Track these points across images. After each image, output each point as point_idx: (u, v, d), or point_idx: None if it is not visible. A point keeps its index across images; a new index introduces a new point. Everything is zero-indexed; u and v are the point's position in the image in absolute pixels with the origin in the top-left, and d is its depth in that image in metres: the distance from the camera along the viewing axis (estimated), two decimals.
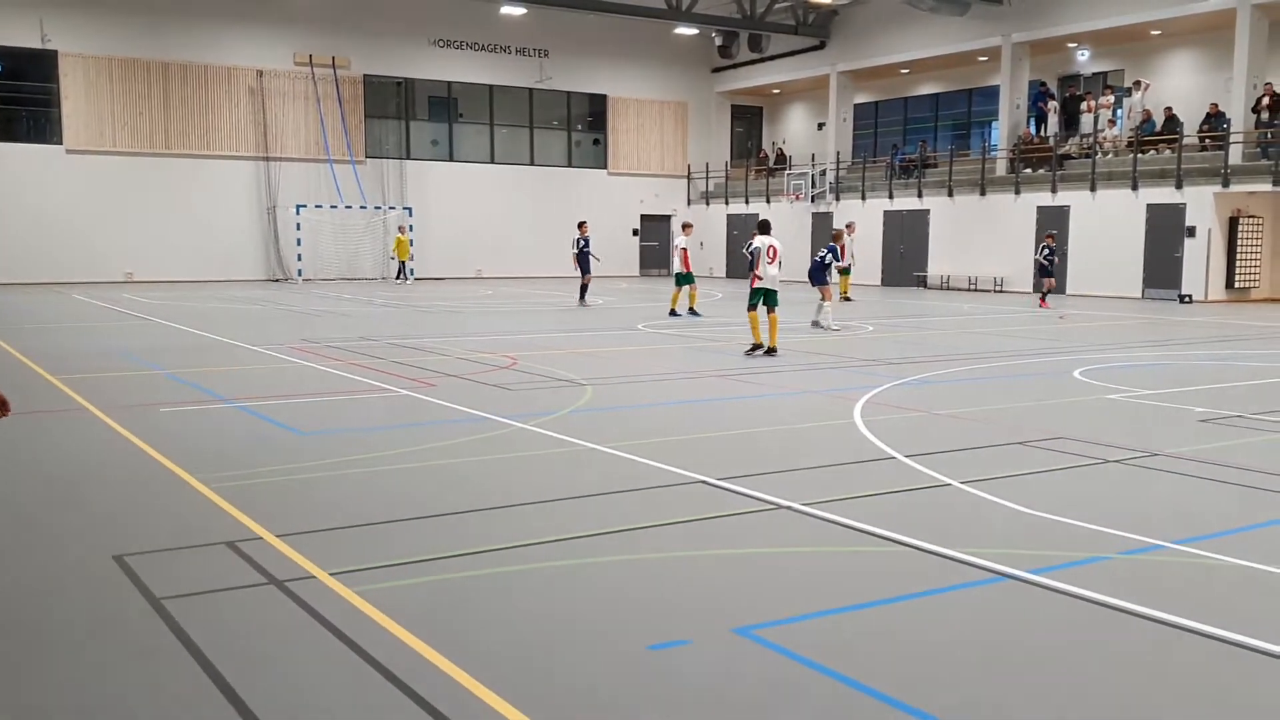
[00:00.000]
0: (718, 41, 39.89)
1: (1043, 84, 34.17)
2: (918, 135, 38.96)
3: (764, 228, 15.98)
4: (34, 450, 8.40)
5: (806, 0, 34.87)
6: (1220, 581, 5.37)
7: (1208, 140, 28.89)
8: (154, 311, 22.42)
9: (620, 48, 40.75)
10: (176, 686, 4.10)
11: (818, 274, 19.70)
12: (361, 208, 36.83)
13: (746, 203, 40.90)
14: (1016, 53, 33.14)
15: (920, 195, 34.63)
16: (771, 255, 15.48)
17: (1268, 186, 26.55)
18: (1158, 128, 30.09)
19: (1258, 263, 28.41)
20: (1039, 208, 31.05)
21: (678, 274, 22.60)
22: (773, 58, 39.87)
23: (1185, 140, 28.80)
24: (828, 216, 36.98)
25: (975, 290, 32.51)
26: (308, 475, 7.51)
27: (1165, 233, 28.29)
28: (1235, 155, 27.63)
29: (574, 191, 40.54)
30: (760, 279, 15.34)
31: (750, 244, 15.74)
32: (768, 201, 39.66)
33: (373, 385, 11.85)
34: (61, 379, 12.04)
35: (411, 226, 36.97)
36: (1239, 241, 27.88)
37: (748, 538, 6.08)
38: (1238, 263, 27.98)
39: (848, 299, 27.23)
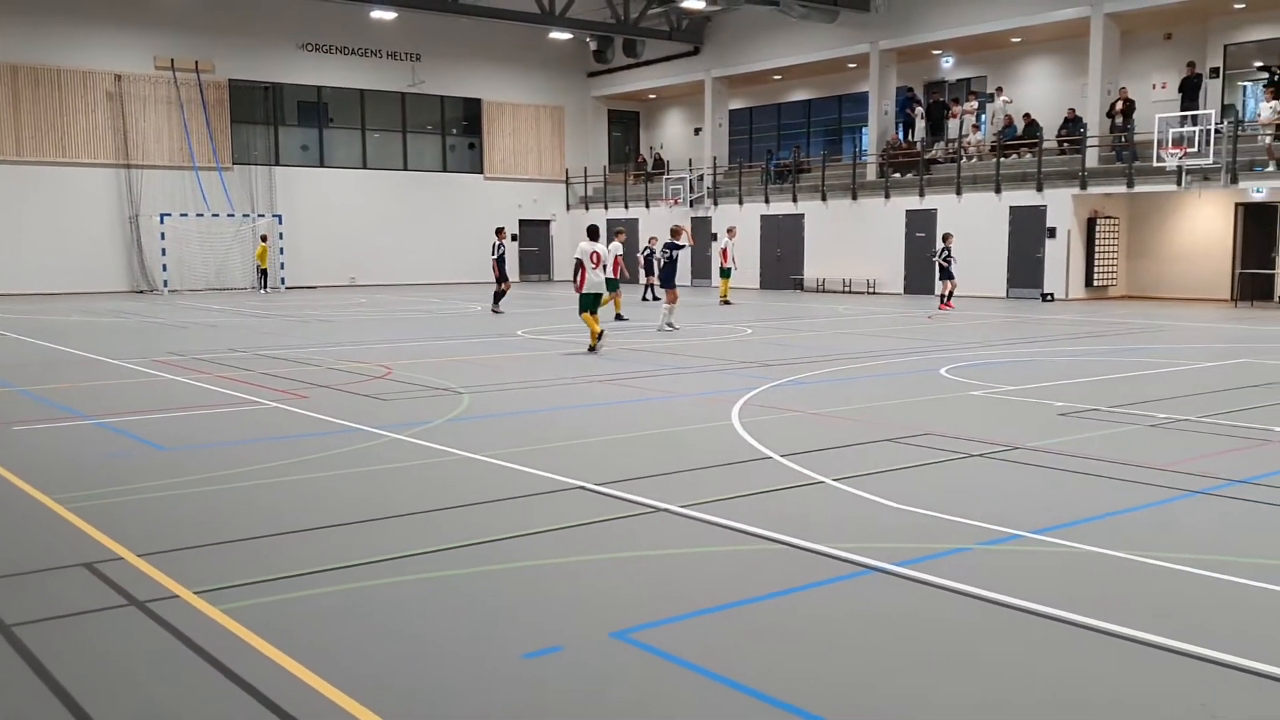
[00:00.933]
0: (593, 46, 39.91)
1: (910, 90, 35.09)
2: (791, 140, 39.65)
3: (591, 234, 16.80)
4: None
5: (680, 6, 35.15)
6: (1073, 568, 5.57)
7: (1066, 144, 30.02)
8: (7, 325, 21.48)
9: (494, 52, 40.52)
10: (31, 718, 3.93)
11: (667, 276, 19.99)
12: (229, 216, 35.87)
13: (626, 207, 41.06)
14: (884, 60, 33.96)
15: (795, 199, 35.22)
16: (595, 260, 16.31)
17: (1122, 188, 27.71)
18: (1019, 132, 31.17)
19: (1115, 262, 29.62)
20: (908, 211, 31.86)
21: (609, 279, 22.70)
22: (648, 63, 40.11)
23: (1045, 145, 29.88)
24: (706, 220, 37.36)
25: (850, 292, 33.18)
26: (171, 492, 7.28)
27: (1027, 234, 29.30)
28: (1092, 158, 28.78)
29: (450, 196, 40.18)
30: (586, 284, 16.15)
31: (577, 250, 16.43)
32: (646, 206, 39.89)
33: (241, 398, 11.55)
34: None
35: (281, 235, 36.15)
36: (1097, 241, 29.03)
37: (625, 542, 6.09)
38: (1096, 262, 29.13)
39: (727, 302, 27.56)
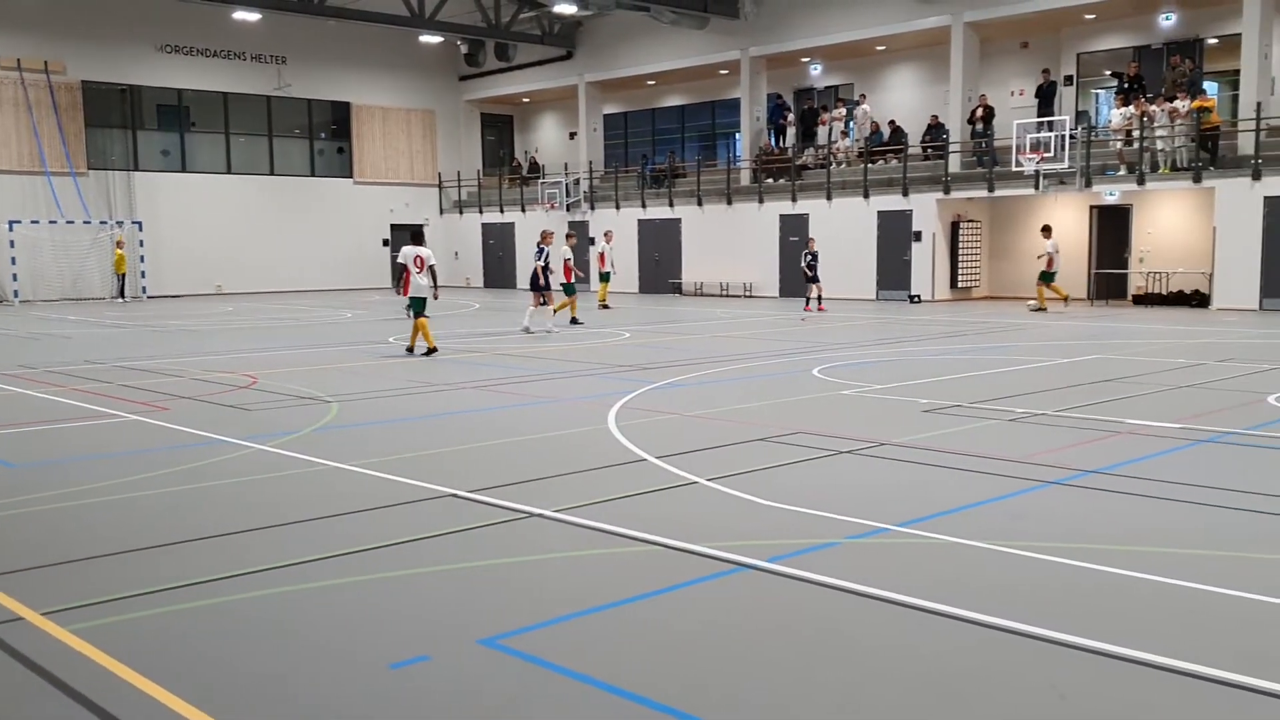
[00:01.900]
0: (464, 49, 39.59)
1: (779, 97, 35.65)
2: (666, 145, 39.90)
3: (415, 238, 16.97)
4: None
5: (551, 11, 35.10)
6: (935, 558, 5.70)
7: (930, 150, 30.87)
8: None
9: (363, 54, 39.85)
10: None
11: (537, 280, 20.07)
12: (86, 223, 34.48)
13: (501, 211, 40.79)
14: (754, 66, 34.45)
15: (671, 204, 35.44)
16: (419, 265, 16.44)
17: (984, 192, 28.59)
18: (885, 138, 31.94)
19: (978, 264, 30.55)
20: (781, 216, 32.35)
21: (564, 284, 23.20)
22: (521, 66, 39.92)
23: (909, 151, 30.67)
24: (584, 225, 37.34)
25: (727, 295, 33.53)
26: (19, 511, 6.94)
27: (895, 237, 30.02)
28: (954, 164, 29.65)
29: (319, 201, 39.37)
30: (410, 288, 16.40)
31: (400, 254, 16.71)
32: (522, 210, 39.69)
33: (98, 411, 11.10)
34: None
35: (142, 242, 34.91)
36: (960, 244, 29.91)
37: (496, 548, 6.02)
38: (960, 264, 30.00)
39: (606, 306, 27.58)
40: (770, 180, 33.55)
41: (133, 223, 35.07)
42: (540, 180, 39.37)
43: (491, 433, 9.74)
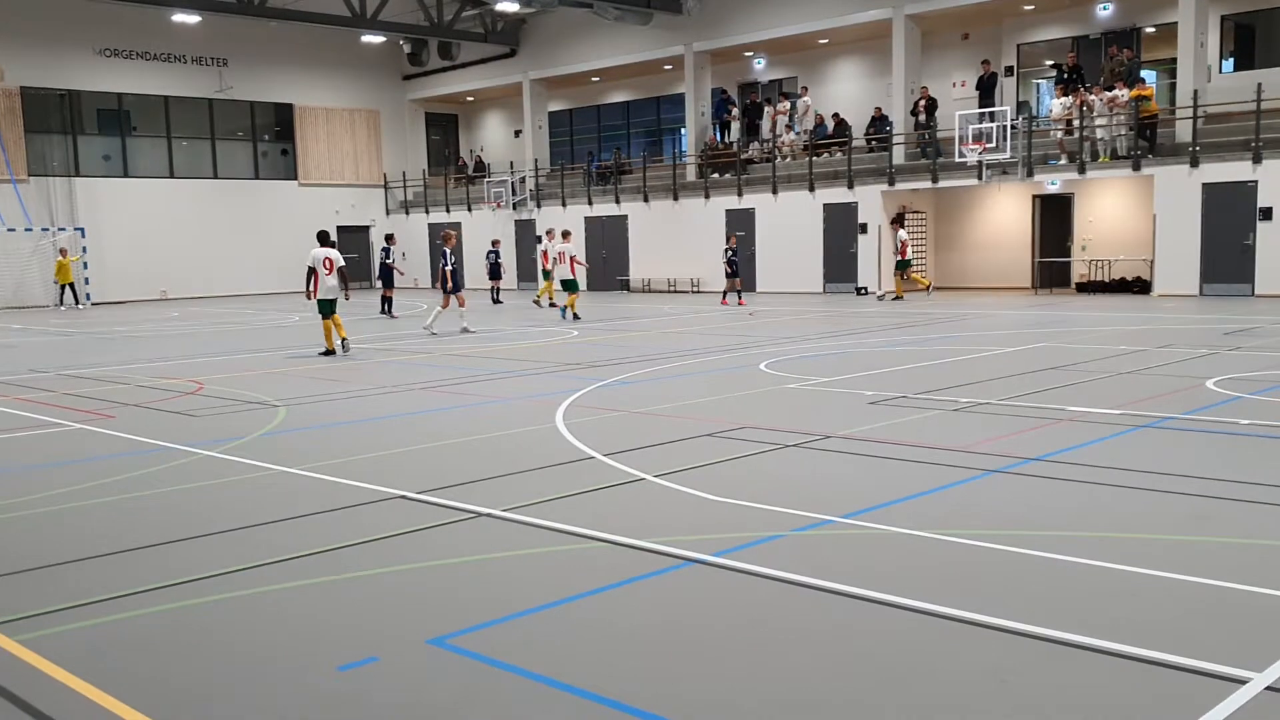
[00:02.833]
0: (406, 49, 39.37)
1: (724, 92, 35.80)
2: (612, 142, 39.93)
3: (322, 239, 17.28)
4: None
5: (494, 9, 34.99)
6: (879, 549, 5.80)
7: (874, 142, 31.14)
8: None
9: (305, 55, 39.51)
10: None
11: (456, 280, 20.38)
12: (27, 230, 33.89)
13: (447, 211, 40.62)
14: (698, 61, 34.56)
15: (618, 201, 35.49)
16: (329, 267, 16.73)
17: (928, 184, 28.90)
18: (829, 131, 32.18)
19: (924, 254, 30.86)
20: (727, 210, 32.49)
21: (566, 280, 23.90)
22: (464, 65, 39.79)
23: (854, 143, 30.93)
24: (530, 224, 37.31)
25: (675, 291, 33.64)
26: None
27: (841, 230, 30.26)
28: (899, 155, 29.93)
29: (263, 204, 38.97)
30: (320, 289, 16.72)
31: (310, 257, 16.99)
32: (469, 209, 39.57)
33: (41, 420, 10.96)
34: None
35: (84, 248, 34.41)
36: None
37: (444, 549, 6.05)
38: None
39: (553, 305, 27.63)
40: (716, 175, 33.69)
41: (75, 229, 34.52)
42: (486, 179, 39.26)
43: (440, 434, 9.74)
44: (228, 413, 11.22)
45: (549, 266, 28.28)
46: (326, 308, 16.76)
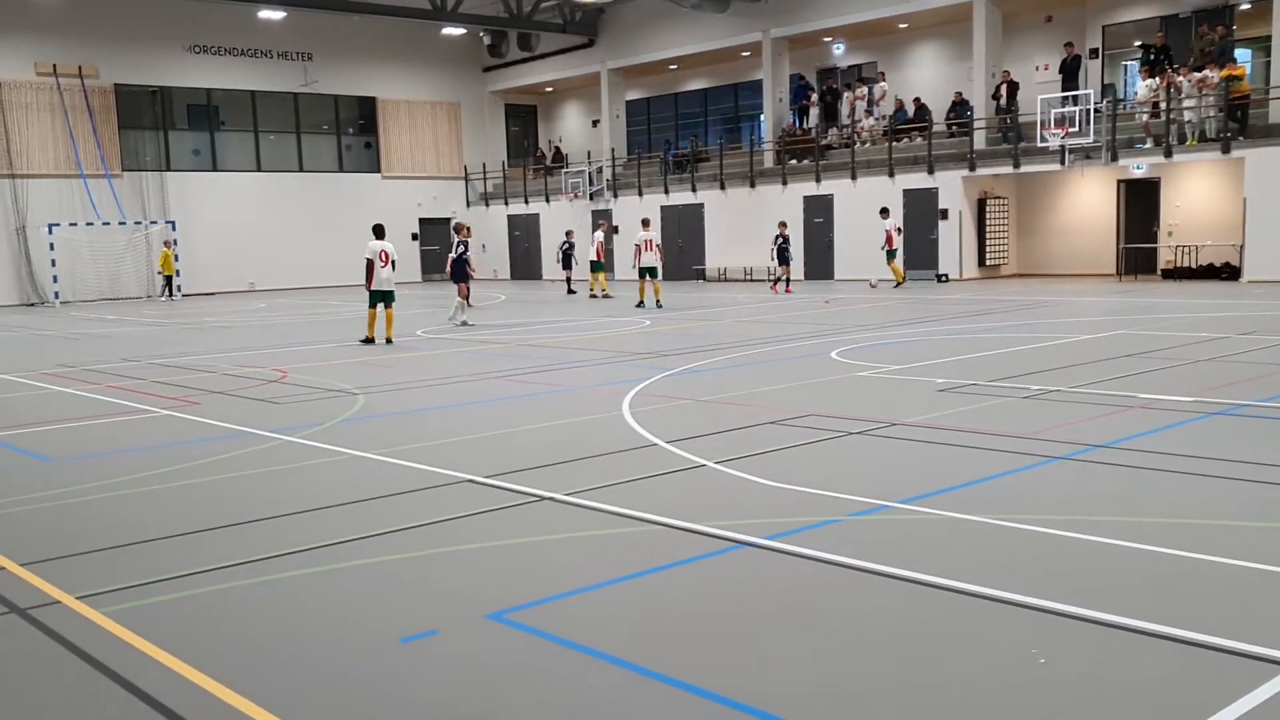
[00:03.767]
0: (487, 41, 39.90)
1: (802, 78, 35.63)
2: (689, 130, 39.98)
3: (377, 232, 17.64)
4: None
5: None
6: (934, 534, 5.85)
7: (954, 127, 30.77)
8: None
9: (387, 49, 40.19)
10: None
11: (459, 271, 20.31)
12: (121, 224, 35.06)
13: (526, 202, 41.05)
14: (776, 48, 34.43)
15: (694, 189, 35.55)
16: (384, 259, 17.07)
17: (1009, 169, 28.50)
18: (909, 116, 31.86)
19: (1005, 241, 30.48)
20: (805, 197, 32.38)
21: (648, 267, 24.95)
22: (543, 56, 40.14)
23: (934, 128, 30.59)
24: (607, 213, 37.54)
25: (751, 280, 33.61)
26: (56, 503, 7.23)
27: (921, 216, 29.99)
28: (979, 140, 29.55)
29: (347, 196, 39.74)
30: (375, 281, 17.24)
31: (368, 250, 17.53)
32: (547, 200, 39.94)
33: (132, 407, 11.42)
34: None
35: (176, 240, 35.50)
36: (987, 222, 29.85)
37: (507, 530, 6.23)
38: (987, 242, 29.95)
39: (607, 296, 28.11)
40: (794, 161, 33.56)
41: (166, 222, 35.61)
42: (564, 170, 39.57)
43: (509, 421, 9.96)
44: (309, 400, 11.57)
45: (600, 259, 28.75)
46: (378, 298, 17.25)
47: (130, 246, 35.52)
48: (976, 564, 5.28)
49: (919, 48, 33.75)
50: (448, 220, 42.38)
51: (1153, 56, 27.38)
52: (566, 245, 31.29)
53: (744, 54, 36.48)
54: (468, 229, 21.25)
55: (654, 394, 11.06)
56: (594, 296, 27.87)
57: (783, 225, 27.85)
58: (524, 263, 41.40)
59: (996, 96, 29.65)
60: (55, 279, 33.53)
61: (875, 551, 5.47)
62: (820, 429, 8.82)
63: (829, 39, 34.76)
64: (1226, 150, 24.63)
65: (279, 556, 5.79)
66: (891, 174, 30.45)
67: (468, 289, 20.58)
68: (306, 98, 39.22)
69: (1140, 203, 28.13)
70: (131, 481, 7.77)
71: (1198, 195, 27.04)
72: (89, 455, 8.99)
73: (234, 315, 26.06)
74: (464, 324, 20.28)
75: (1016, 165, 28.21)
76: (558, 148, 43.46)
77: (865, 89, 33.39)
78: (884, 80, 33.11)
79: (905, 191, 30.22)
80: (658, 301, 23.72)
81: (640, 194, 37.04)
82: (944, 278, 29.29)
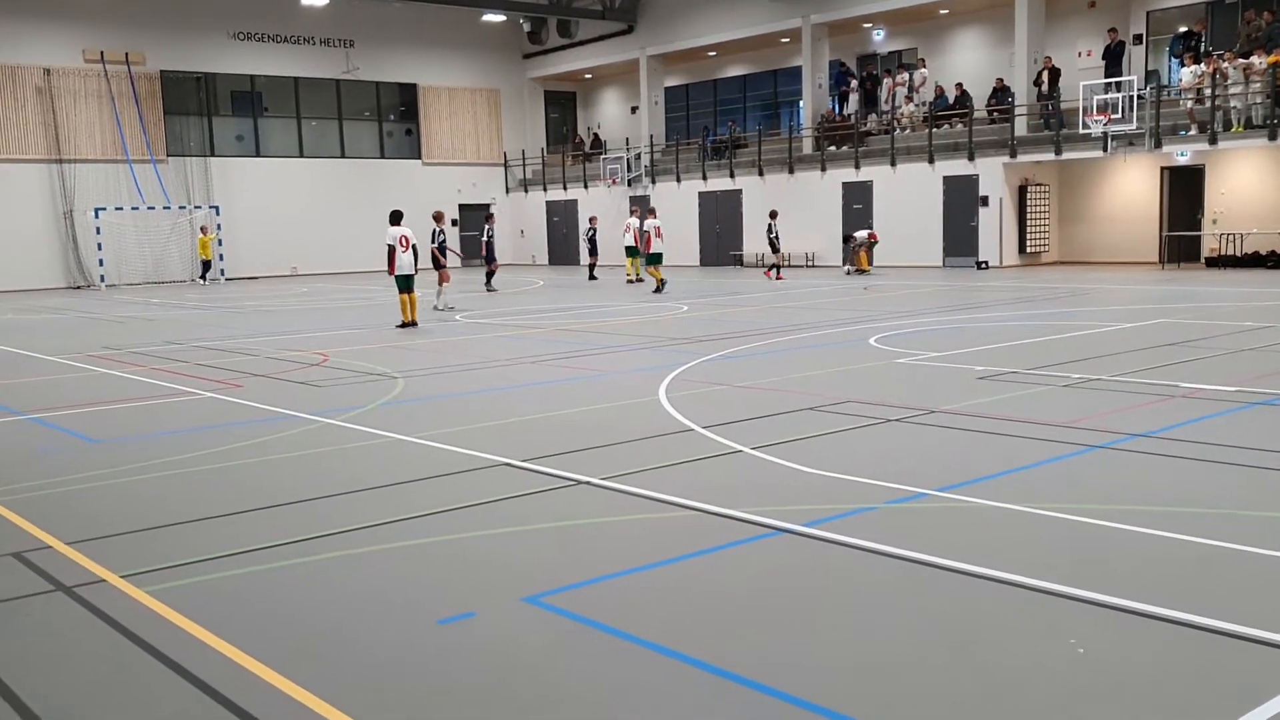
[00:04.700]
0: (526, 27, 39.98)
1: (843, 64, 35.41)
2: (728, 116, 39.83)
3: (394, 219, 17.78)
4: None
5: None
6: (971, 521, 5.84)
7: (995, 113, 30.47)
8: None
9: (428, 36, 40.34)
10: None
11: (436, 260, 20.50)
12: (165, 208, 35.49)
13: (565, 188, 41.11)
14: (816, 33, 34.23)
15: (732, 175, 35.45)
16: (404, 244, 17.44)
17: (1050, 156, 28.20)
18: (950, 103, 31.58)
19: (1046, 228, 30.18)
20: (844, 183, 32.21)
21: (653, 254, 25.29)
22: (583, 43, 40.14)
23: (975, 115, 30.31)
24: (645, 199, 37.52)
25: (789, 265, 33.46)
26: (100, 483, 7.37)
27: (961, 203, 29.75)
28: (1021, 127, 29.26)
29: (388, 183, 39.92)
30: (396, 266, 17.46)
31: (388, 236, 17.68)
32: (585, 186, 39.96)
33: (175, 390, 11.59)
34: None
35: (219, 225, 35.88)
36: (1028, 209, 29.56)
37: (543, 513, 6.28)
38: (1029, 229, 29.66)
39: (636, 280, 28.27)
40: (833, 148, 33.38)
41: (210, 207, 36.00)
42: (602, 156, 39.58)
43: (547, 405, 10.02)
44: (350, 383, 11.69)
45: (637, 243, 28.79)
46: (404, 283, 17.48)
47: (174, 231, 35.94)
48: (1014, 552, 5.27)
49: (960, 33, 33.44)
50: (486, 206, 42.53)
51: (1197, 42, 26.96)
52: (591, 231, 31.33)
53: (783, 40, 36.29)
54: (443, 215, 21.48)
55: (691, 379, 11.08)
56: (630, 281, 27.92)
57: (773, 215, 28.00)
58: (562, 248, 41.48)
59: (1038, 82, 29.32)
60: (101, 262, 34.00)
61: (913, 539, 5.47)
62: (858, 415, 8.81)
63: (869, 25, 34.51)
64: (1273, 137, 24.25)
65: (319, 538, 5.88)
66: (931, 160, 30.22)
67: (448, 274, 20.80)
68: (348, 84, 39.46)
69: (1184, 190, 27.77)
70: (174, 463, 7.89)
71: (1243, 182, 26.65)
72: (133, 437, 9.14)
73: (276, 299, 26.32)
74: (449, 308, 20.62)
75: (1058, 152, 27.91)
76: (596, 134, 43.48)
77: (906, 75, 33.14)
78: (924, 66, 32.87)
79: (945, 178, 29.98)
80: (660, 285, 23.94)
81: (678, 180, 36.99)
82: (984, 265, 29.07)
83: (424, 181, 40.75)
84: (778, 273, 27.93)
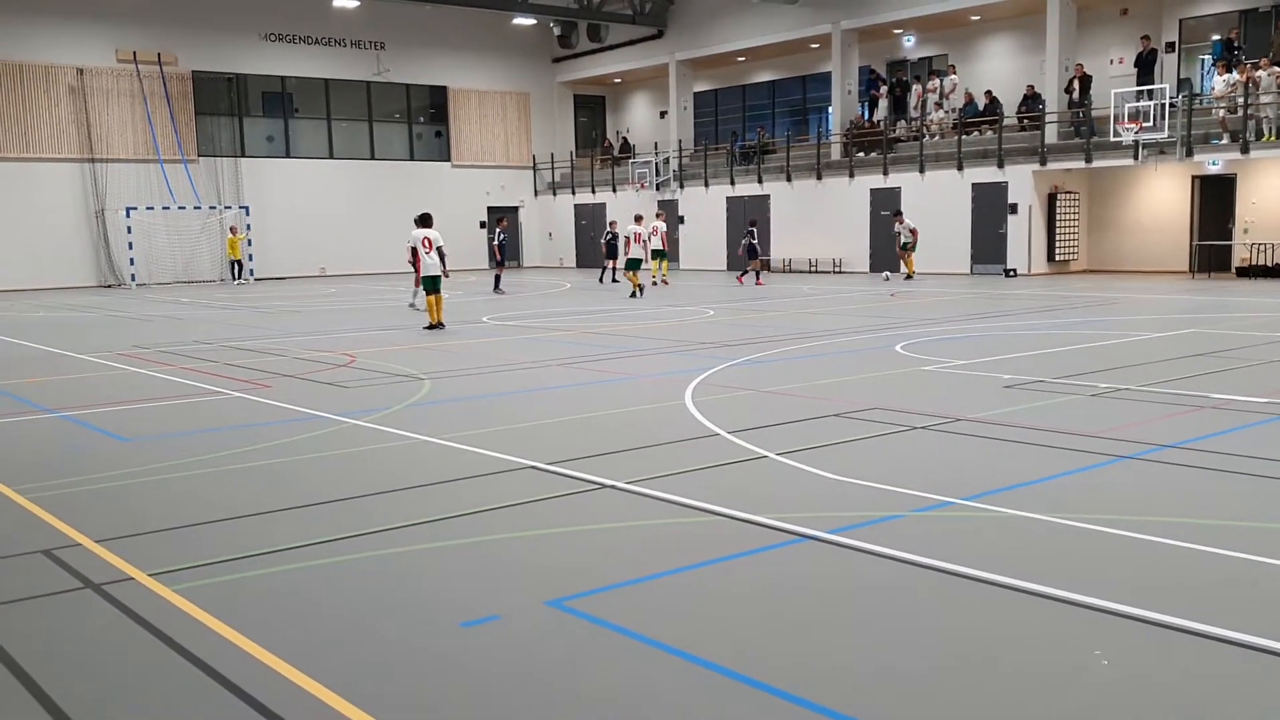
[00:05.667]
0: (557, 31, 40.07)
1: (872, 70, 35.32)
2: (756, 122, 39.83)
3: (422, 221, 17.86)
4: None
5: None
6: (997, 531, 5.81)
7: (1026, 121, 30.32)
8: None
9: (459, 39, 40.53)
10: None
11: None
12: (196, 208, 35.80)
13: (593, 192, 41.18)
14: (846, 39, 34.16)
15: (760, 181, 35.43)
16: (428, 245, 17.42)
17: (1081, 163, 28.03)
18: (980, 109, 31.44)
19: (1076, 236, 29.99)
20: (872, 190, 32.13)
21: (656, 250, 27.05)
22: (612, 47, 40.22)
23: (1005, 121, 30.16)
24: (673, 204, 37.56)
25: (816, 272, 33.44)
26: (129, 481, 7.44)
27: (990, 210, 29.61)
28: (1051, 134, 29.10)
29: (417, 185, 40.14)
30: (422, 268, 17.53)
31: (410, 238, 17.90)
32: (614, 190, 40.03)
33: (204, 389, 11.68)
34: None
35: (249, 225, 36.16)
36: (1058, 217, 29.39)
37: (568, 517, 6.30)
38: (1057, 237, 29.49)
39: (654, 283, 28.36)
40: (861, 154, 33.30)
41: (240, 207, 36.28)
42: (631, 160, 39.63)
43: (572, 409, 10.04)
44: (376, 385, 11.75)
45: (664, 247, 29.04)
46: (430, 284, 17.60)
47: (205, 230, 36.24)
48: (1039, 562, 5.24)
49: (991, 40, 33.31)
50: (516, 209, 42.68)
51: (1231, 51, 26.73)
52: (609, 236, 31.36)
53: (813, 46, 36.24)
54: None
55: (716, 384, 11.08)
56: (654, 284, 28.01)
57: (752, 223, 28.60)
58: (589, 251, 41.51)
59: (1069, 90, 29.14)
60: (132, 261, 34.32)
61: (939, 548, 5.45)
62: (884, 423, 8.78)
63: (899, 31, 34.41)
64: None
65: (344, 539, 5.91)
66: (960, 167, 30.11)
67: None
68: (379, 86, 39.69)
69: (1215, 199, 27.54)
70: (203, 462, 7.95)
71: (1275, 192, 26.39)
72: (162, 435, 9.22)
73: (304, 300, 26.49)
74: (416, 307, 21.10)
75: (1088, 160, 27.74)
76: (625, 138, 43.54)
77: (936, 81, 33.02)
78: (954, 73, 32.75)
79: (974, 185, 29.86)
80: (658, 280, 24.30)
81: (706, 185, 36.99)
82: (1012, 272, 28.92)
83: (453, 184, 40.95)
84: (757, 278, 28.47)
